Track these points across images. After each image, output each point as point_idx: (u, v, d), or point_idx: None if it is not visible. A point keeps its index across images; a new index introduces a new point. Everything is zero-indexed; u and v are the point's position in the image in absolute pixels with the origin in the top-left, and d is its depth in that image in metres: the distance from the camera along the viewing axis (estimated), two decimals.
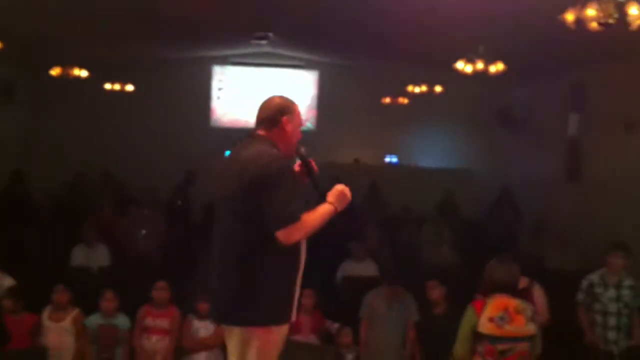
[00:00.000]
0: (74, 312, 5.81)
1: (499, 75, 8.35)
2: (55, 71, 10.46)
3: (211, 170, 3.49)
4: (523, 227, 10.99)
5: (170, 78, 13.56)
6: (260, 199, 3.09)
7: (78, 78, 10.66)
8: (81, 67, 10.61)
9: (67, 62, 10.48)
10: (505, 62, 8.21)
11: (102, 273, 8.00)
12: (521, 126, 12.84)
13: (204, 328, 5.85)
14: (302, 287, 5.89)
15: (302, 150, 3.46)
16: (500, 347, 4.08)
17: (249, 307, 3.14)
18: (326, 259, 8.47)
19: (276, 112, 3.37)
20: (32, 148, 12.97)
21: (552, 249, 9.17)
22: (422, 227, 10.37)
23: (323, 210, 3.29)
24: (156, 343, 5.78)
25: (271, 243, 3.08)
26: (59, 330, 5.71)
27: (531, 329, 4.15)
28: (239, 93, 14.90)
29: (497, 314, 4.09)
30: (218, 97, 14.92)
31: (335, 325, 6.18)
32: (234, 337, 3.23)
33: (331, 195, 3.37)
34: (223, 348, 5.87)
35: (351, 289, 7.59)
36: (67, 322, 5.74)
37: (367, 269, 8.08)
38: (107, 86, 12.71)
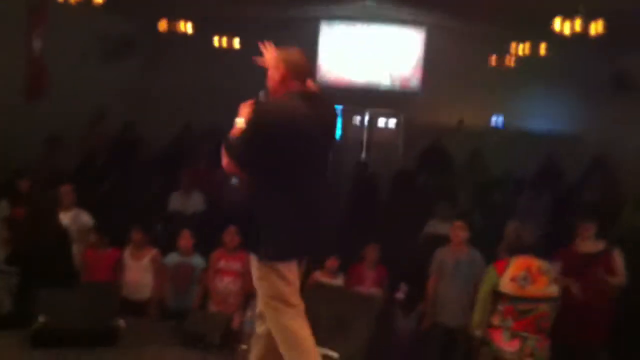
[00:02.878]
0: (153, 252, 6.16)
1: (615, 38, 7.92)
2: (162, 26, 10.86)
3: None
4: (620, 197, 10.43)
5: (278, 36, 13.69)
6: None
7: (185, 33, 11.05)
8: (187, 21, 10.94)
9: (179, 18, 10.87)
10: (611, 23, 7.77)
11: (194, 217, 8.41)
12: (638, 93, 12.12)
13: None
14: (370, 242, 6.02)
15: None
16: (521, 307, 4.03)
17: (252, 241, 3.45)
18: (415, 219, 8.52)
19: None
20: (146, 101, 13.57)
21: None
22: (522, 192, 10.12)
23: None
24: (228, 284, 6.01)
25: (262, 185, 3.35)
26: (138, 268, 6.08)
27: (553, 290, 4.06)
28: (345, 51, 14.93)
29: (519, 274, 4.02)
30: (324, 55, 15.01)
31: (404, 290, 6.18)
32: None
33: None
34: None
35: (432, 247, 7.56)
36: (145, 260, 6.10)
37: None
38: (215, 41, 13.07)
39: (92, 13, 9.54)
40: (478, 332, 4.36)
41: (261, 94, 3.54)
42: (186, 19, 11.05)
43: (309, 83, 3.56)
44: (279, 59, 3.51)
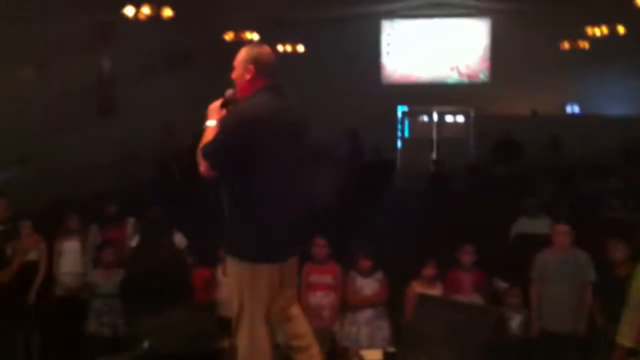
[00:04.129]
0: None
1: None
2: (229, 36, 10.86)
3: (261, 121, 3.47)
4: None
5: (339, 36, 13.62)
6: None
7: (251, 41, 11.00)
8: (252, 30, 10.93)
9: (239, 26, 10.87)
10: None
11: None
12: None
13: (368, 285, 5.86)
14: (464, 242, 5.78)
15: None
16: None
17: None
18: (499, 217, 8.25)
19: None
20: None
21: None
22: (607, 179, 9.72)
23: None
24: (321, 299, 5.85)
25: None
26: (230, 285, 5.97)
27: None
28: (408, 47, 14.68)
29: None
30: (388, 53, 14.79)
31: (504, 285, 5.92)
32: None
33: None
34: (387, 305, 5.94)
35: (524, 247, 7.27)
36: None
37: (541, 226, 7.68)
38: (279, 47, 13.01)
39: (156, 28, 9.60)
40: (626, 342, 4.03)
41: (229, 92, 3.56)
42: (249, 27, 11.02)
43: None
44: (245, 58, 3.49)
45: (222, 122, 3.38)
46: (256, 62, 3.47)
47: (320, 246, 5.93)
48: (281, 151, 3.37)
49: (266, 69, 3.48)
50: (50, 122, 9.16)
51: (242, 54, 3.52)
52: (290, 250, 3.54)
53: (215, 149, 3.34)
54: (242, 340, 3.48)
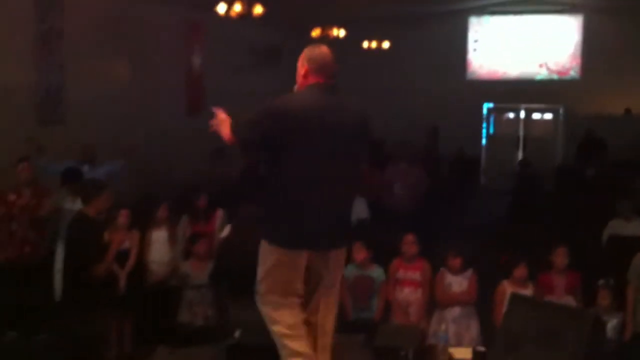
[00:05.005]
0: None
1: None
2: (315, 32, 10.92)
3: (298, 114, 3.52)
4: None
5: (426, 33, 13.52)
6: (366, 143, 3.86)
7: (337, 38, 11.04)
8: (339, 26, 10.95)
9: (327, 23, 10.92)
10: None
11: (360, 225, 8.29)
12: None
13: (457, 283, 5.81)
14: (558, 244, 5.65)
15: None
16: None
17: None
18: (594, 217, 8.02)
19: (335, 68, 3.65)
20: None
21: None
22: None
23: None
24: (409, 295, 5.85)
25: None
26: None
27: None
28: (496, 43, 14.41)
29: None
30: (474, 49, 14.56)
31: (600, 282, 5.73)
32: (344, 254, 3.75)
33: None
34: (477, 305, 5.86)
35: (618, 250, 7.04)
36: None
37: (636, 228, 7.42)
38: (365, 44, 13.01)
39: (245, 25, 9.74)
40: None
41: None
42: (336, 24, 11.05)
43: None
44: (303, 56, 3.63)
45: (260, 107, 3.52)
46: (311, 60, 3.59)
47: (409, 243, 5.93)
48: (320, 146, 3.45)
49: (320, 68, 3.58)
50: (143, 119, 9.47)
51: (303, 53, 3.66)
52: (320, 242, 3.56)
53: (243, 130, 3.58)
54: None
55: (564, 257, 5.82)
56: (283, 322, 3.64)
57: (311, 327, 3.73)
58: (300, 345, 3.64)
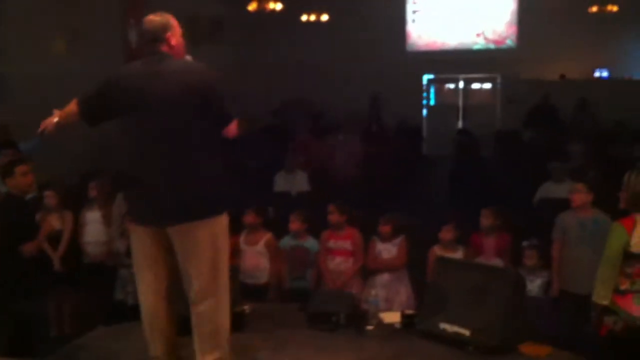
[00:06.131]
0: (267, 236, 6.08)
1: None
2: (252, 6, 10.86)
3: (118, 83, 3.53)
4: None
5: (364, 5, 13.52)
6: (211, 104, 3.43)
7: (274, 11, 11.00)
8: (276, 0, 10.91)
9: None
10: None
11: (300, 197, 8.36)
12: None
13: (386, 250, 5.89)
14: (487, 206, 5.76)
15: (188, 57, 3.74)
16: None
17: (211, 198, 3.48)
18: (526, 180, 8.20)
19: (160, 31, 3.56)
20: (239, 79, 13.51)
21: None
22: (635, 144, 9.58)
23: None
24: (340, 264, 5.89)
25: (218, 140, 3.54)
26: (253, 253, 6.04)
27: None
28: (434, 14, 14.50)
29: None
30: (413, 21, 14.64)
31: (525, 243, 5.89)
32: (200, 230, 3.46)
33: None
34: (412, 269, 5.96)
35: (548, 211, 7.22)
36: (260, 245, 6.04)
37: (566, 190, 7.61)
38: (304, 17, 12.97)
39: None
40: (605, 301, 4.01)
41: None
42: None
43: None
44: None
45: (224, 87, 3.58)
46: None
47: (330, 212, 5.96)
48: (138, 116, 3.43)
49: (144, 35, 3.61)
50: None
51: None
52: (152, 217, 3.49)
53: (82, 102, 3.59)
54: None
55: (488, 218, 5.93)
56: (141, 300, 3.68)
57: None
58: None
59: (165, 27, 3.57)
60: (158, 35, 3.55)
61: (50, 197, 6.49)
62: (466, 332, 4.21)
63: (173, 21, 3.63)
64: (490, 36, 14.41)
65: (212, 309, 3.52)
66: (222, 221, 3.58)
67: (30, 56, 8.45)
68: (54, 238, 6.45)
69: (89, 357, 4.14)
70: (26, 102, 8.26)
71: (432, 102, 15.19)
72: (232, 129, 3.55)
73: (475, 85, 15.09)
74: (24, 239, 5.26)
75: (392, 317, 4.76)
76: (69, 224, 6.56)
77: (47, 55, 8.86)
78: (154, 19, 3.59)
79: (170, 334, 3.68)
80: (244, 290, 5.63)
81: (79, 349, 4.27)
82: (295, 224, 6.08)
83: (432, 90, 15.20)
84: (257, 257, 6.04)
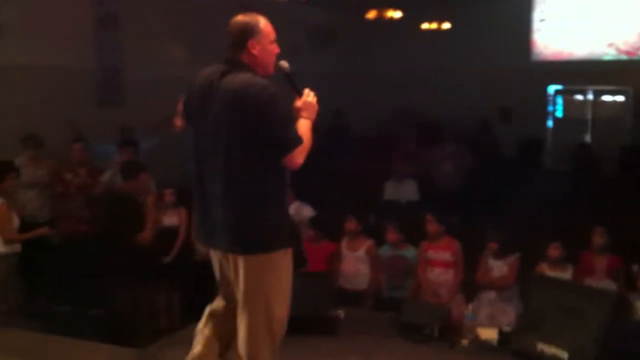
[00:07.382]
0: (368, 243, 6.13)
1: None
2: (371, 14, 10.92)
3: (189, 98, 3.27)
4: None
5: (487, 12, 13.23)
6: (259, 128, 2.97)
7: (392, 19, 11.02)
8: (395, 8, 10.91)
9: (383, 5, 10.89)
10: None
11: (409, 207, 8.33)
12: None
13: (497, 267, 5.74)
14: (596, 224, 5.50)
15: (283, 65, 3.31)
16: None
17: (257, 235, 3.08)
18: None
19: (240, 36, 3.15)
20: (349, 87, 13.25)
21: None
22: None
23: (307, 126, 3.19)
24: (439, 275, 5.82)
25: (270, 170, 3.05)
26: (354, 259, 6.11)
27: None
28: (563, 24, 13.98)
29: None
30: (539, 29, 14.18)
31: (635, 267, 5.58)
32: (241, 262, 3.11)
33: (303, 110, 3.25)
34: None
35: None
36: (361, 251, 6.10)
37: None
38: (424, 25, 12.87)
39: (298, 6, 9.78)
40: None
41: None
42: (392, 5, 11.02)
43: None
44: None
45: (283, 107, 3.10)
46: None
47: (428, 222, 5.89)
48: (200, 128, 3.19)
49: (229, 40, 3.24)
50: None
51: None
52: (207, 238, 3.26)
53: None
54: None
55: (599, 236, 5.70)
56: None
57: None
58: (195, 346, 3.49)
59: (247, 32, 3.14)
60: (238, 40, 3.14)
61: (168, 195, 6.85)
62: (564, 356, 4.07)
63: (262, 26, 3.19)
64: (622, 47, 13.70)
65: (242, 340, 3.23)
66: (273, 258, 3.14)
67: (152, 61, 8.86)
68: (170, 234, 6.80)
69: (187, 350, 4.32)
70: (147, 105, 8.74)
71: (558, 114, 14.62)
72: (295, 158, 3.04)
73: (606, 98, 14.39)
74: (132, 231, 5.57)
75: (488, 334, 4.68)
76: (185, 220, 6.87)
77: (167, 60, 9.26)
78: (239, 20, 3.18)
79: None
80: (341, 295, 5.71)
81: (179, 342, 4.40)
82: (392, 235, 6.09)
83: (558, 101, 14.63)
84: (357, 263, 6.10)
